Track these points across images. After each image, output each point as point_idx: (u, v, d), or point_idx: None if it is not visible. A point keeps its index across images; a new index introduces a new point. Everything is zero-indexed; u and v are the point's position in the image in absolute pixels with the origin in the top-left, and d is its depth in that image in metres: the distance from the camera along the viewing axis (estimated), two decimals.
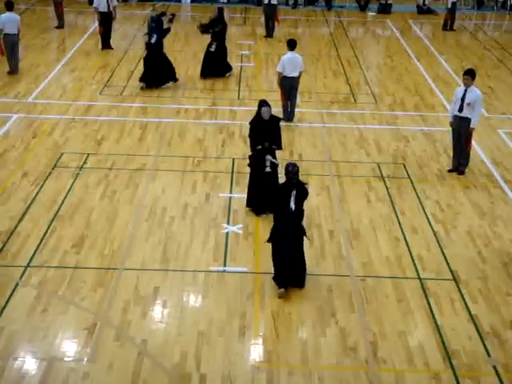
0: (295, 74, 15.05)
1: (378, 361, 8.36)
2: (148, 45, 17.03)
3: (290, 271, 9.43)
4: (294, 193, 9.28)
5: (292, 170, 9.34)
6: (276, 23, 22.54)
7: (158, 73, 17.05)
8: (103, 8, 19.87)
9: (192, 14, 25.98)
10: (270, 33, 22.59)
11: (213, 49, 17.78)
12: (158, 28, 16.97)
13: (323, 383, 8.00)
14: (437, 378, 8.14)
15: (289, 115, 15.23)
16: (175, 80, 17.47)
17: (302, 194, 9.41)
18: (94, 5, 20.01)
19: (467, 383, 8.09)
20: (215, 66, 17.94)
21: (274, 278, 9.51)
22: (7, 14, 17.53)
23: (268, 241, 9.59)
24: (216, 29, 17.72)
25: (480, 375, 8.23)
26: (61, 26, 22.47)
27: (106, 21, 20.08)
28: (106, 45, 20.39)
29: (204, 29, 17.93)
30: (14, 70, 17.79)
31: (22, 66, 18.54)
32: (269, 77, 18.56)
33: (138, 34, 22.47)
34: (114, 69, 18.71)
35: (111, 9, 20.07)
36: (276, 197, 9.55)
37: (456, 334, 8.87)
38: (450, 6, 23.68)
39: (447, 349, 8.61)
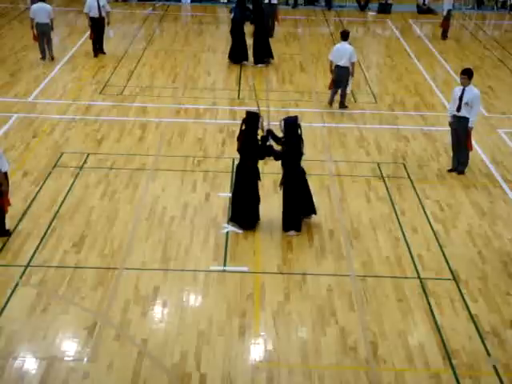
0: (342, 63, 15.82)
1: (378, 360, 8.37)
2: (232, 19, 19.48)
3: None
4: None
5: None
6: (276, 23, 22.55)
7: (244, 48, 19.34)
8: (94, 13, 19.22)
9: (192, 14, 25.99)
10: (270, 32, 22.57)
11: (253, 32, 19.61)
12: (239, 5, 19.30)
13: (323, 383, 8.01)
14: (437, 378, 8.14)
15: (336, 100, 16.28)
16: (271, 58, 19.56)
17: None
18: (85, 10, 19.38)
19: (467, 383, 8.10)
20: (256, 49, 19.38)
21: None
22: (39, 4, 18.65)
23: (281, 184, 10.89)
24: (252, 16, 19.53)
25: (480, 375, 8.23)
26: None
27: (98, 26, 19.38)
28: (100, 50, 19.71)
29: (249, 19, 19.73)
30: (44, 57, 18.93)
31: (21, 65, 18.63)
32: (269, 76, 18.57)
33: (138, 33, 22.53)
34: (114, 69, 18.71)
35: (103, 14, 19.36)
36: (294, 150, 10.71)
37: (456, 334, 8.88)
38: (445, 13, 22.79)
39: (447, 348, 8.61)
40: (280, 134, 10.93)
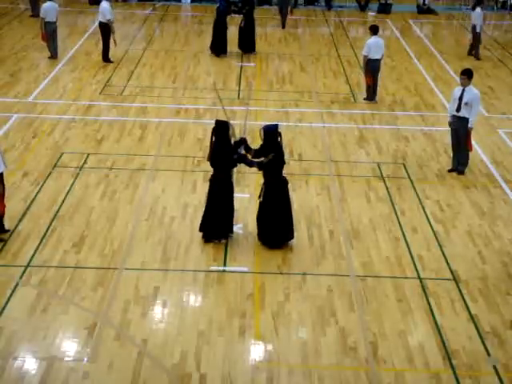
0: (379, 57, 16.46)
1: (378, 360, 8.37)
2: (216, 9, 19.99)
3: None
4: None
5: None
6: (289, 15, 23.77)
7: (224, 41, 19.96)
8: (112, 18, 18.81)
9: (192, 14, 25.99)
10: (283, 23, 23.63)
11: (242, 24, 20.21)
12: None
13: (323, 383, 8.01)
14: (437, 378, 8.14)
15: (372, 96, 16.78)
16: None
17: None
18: (108, 16, 18.67)
19: (467, 383, 8.10)
20: (243, 40, 20.27)
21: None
22: (48, 4, 18.98)
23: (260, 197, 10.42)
24: (243, 10, 20.17)
25: (480, 375, 8.23)
26: (36, 14, 21.63)
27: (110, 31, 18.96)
28: (106, 57, 19.23)
29: (236, 12, 20.34)
30: (53, 55, 19.18)
31: (21, 65, 18.65)
32: (269, 76, 18.57)
33: (139, 34, 22.52)
34: (114, 69, 18.71)
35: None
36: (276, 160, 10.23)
37: (456, 334, 8.88)
38: (478, 29, 20.43)
39: (447, 348, 8.61)
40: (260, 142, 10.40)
